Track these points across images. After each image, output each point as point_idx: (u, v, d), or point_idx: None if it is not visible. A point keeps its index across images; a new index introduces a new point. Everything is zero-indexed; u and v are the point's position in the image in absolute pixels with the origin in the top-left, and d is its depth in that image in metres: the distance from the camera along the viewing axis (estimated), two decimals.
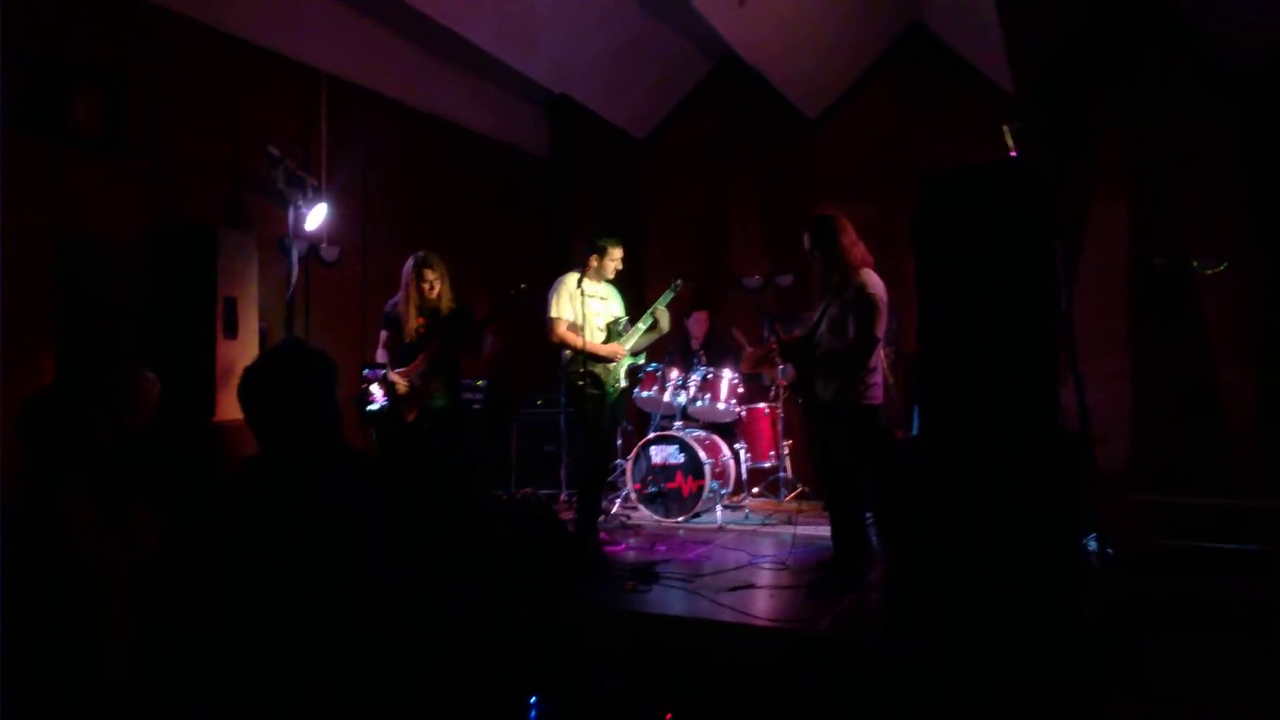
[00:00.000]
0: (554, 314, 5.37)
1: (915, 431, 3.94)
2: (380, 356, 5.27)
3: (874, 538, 4.73)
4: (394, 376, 5.17)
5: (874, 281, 4.48)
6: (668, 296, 5.56)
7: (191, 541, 2.01)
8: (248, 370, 2.05)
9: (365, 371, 5.16)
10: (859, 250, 4.58)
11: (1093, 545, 4.34)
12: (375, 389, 5.05)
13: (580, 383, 5.26)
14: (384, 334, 5.35)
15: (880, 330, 4.43)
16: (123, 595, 2.14)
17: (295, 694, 1.81)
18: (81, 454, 2.30)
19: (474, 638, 3.74)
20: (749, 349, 6.95)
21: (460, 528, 4.59)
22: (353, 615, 1.89)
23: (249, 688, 1.82)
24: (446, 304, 5.24)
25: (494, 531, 4.67)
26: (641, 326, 5.49)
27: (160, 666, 1.93)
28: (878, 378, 4.59)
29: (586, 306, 5.28)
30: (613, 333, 5.45)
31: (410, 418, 5.19)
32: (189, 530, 2.17)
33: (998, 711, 3.15)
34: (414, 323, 5.19)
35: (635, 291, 7.47)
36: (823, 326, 4.62)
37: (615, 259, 5.45)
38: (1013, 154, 3.87)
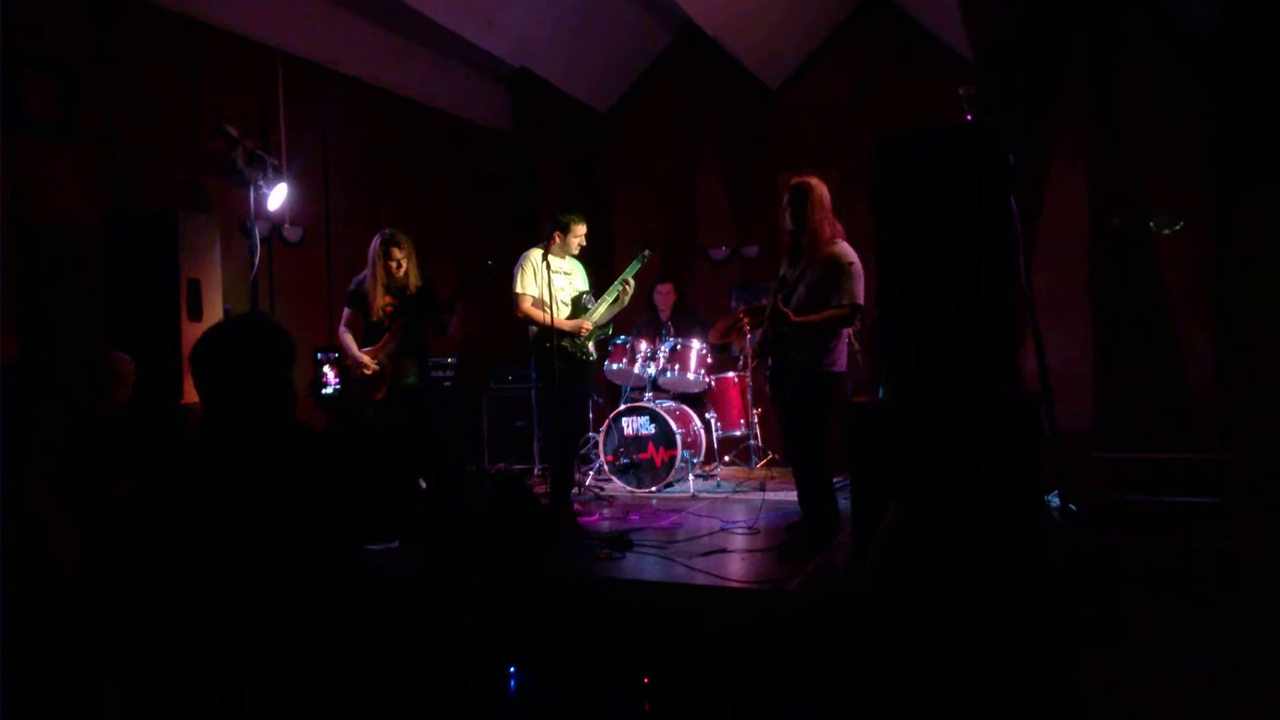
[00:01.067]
0: (519, 289, 5.39)
1: (880, 394, 4.01)
2: (343, 335, 5.26)
3: (841, 501, 4.81)
4: (363, 356, 5.17)
5: (850, 251, 4.58)
6: (635, 266, 5.58)
7: (138, 508, 2.00)
8: (201, 339, 2.04)
9: (318, 355, 5.15)
10: (834, 221, 4.67)
11: (1055, 502, 4.44)
12: (328, 371, 5.05)
13: (548, 357, 5.28)
14: (347, 312, 5.34)
15: (862, 296, 4.53)
16: (71, 572, 2.14)
17: (245, 666, 1.84)
18: (38, 440, 2.30)
19: (446, 609, 3.77)
20: (714, 324, 7.01)
21: (425, 500, 4.61)
22: (293, 586, 1.90)
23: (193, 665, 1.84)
24: (414, 282, 5.23)
25: (466, 504, 4.70)
26: (608, 298, 5.52)
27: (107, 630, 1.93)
28: (843, 345, 4.69)
29: (551, 282, 5.30)
30: (578, 307, 5.47)
31: (379, 396, 5.20)
32: (138, 499, 2.17)
33: (967, 663, 3.23)
34: (381, 301, 5.18)
35: (603, 265, 7.48)
36: (799, 292, 4.63)
37: (579, 235, 5.46)
38: (969, 118, 3.92)
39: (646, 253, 5.71)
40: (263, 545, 1.87)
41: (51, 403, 2.35)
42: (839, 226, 4.69)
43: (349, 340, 5.24)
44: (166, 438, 4.21)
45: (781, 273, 4.84)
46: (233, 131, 4.74)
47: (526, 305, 5.37)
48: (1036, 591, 3.47)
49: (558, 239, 5.40)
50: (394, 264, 5.16)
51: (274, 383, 2.02)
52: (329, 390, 5.07)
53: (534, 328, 5.41)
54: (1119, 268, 7.13)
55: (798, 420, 4.75)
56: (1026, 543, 3.54)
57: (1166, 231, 6.96)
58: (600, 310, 5.49)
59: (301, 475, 2.00)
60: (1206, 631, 3.64)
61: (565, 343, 5.32)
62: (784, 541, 4.64)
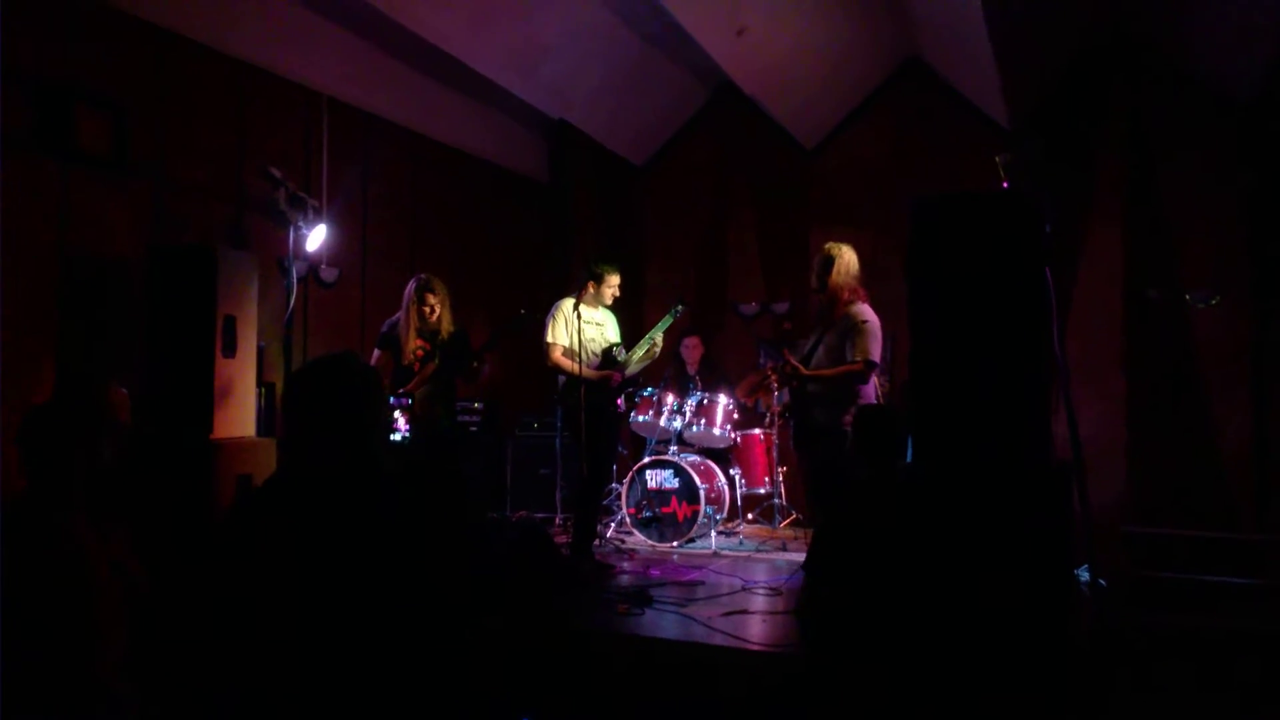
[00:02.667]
0: (550, 339, 5.43)
1: (910, 459, 3.99)
2: None
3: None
4: (391, 399, 5.20)
5: (868, 310, 4.67)
6: (667, 321, 5.60)
7: (212, 559, 1.99)
8: (295, 375, 2.03)
9: (390, 400, 5.18)
10: (856, 286, 4.82)
11: (1084, 576, 4.35)
12: (399, 417, 5.09)
13: (575, 407, 5.30)
14: (376, 353, 5.39)
15: (877, 354, 4.60)
16: (116, 608, 2.14)
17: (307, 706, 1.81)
18: (83, 470, 2.31)
19: (470, 656, 3.73)
20: (742, 381, 7.02)
21: (463, 546, 4.60)
22: (377, 634, 1.86)
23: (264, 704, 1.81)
24: (447, 328, 5.28)
25: (490, 551, 4.68)
26: (639, 351, 5.53)
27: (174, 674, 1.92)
28: (870, 398, 4.71)
29: (582, 332, 5.33)
30: (608, 358, 5.49)
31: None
32: (209, 548, 2.15)
33: None
34: (413, 344, 5.22)
35: (633, 317, 7.51)
36: (819, 353, 4.75)
37: (613, 285, 5.50)
38: (1005, 185, 3.93)
39: (679, 308, 5.71)
40: (342, 592, 1.84)
41: (105, 437, 2.36)
42: (861, 291, 4.80)
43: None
44: (192, 475, 4.23)
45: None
46: (276, 173, 4.83)
47: (556, 355, 5.40)
48: (1064, 668, 3.38)
49: (591, 289, 5.44)
50: (428, 309, 5.22)
51: (363, 421, 2.01)
52: (397, 437, 5.09)
53: (563, 377, 5.44)
54: (1153, 339, 7.05)
55: (823, 480, 4.73)
56: (1055, 618, 3.47)
57: (1202, 306, 6.89)
58: (631, 364, 5.51)
59: (396, 519, 1.96)
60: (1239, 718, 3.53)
61: (592, 393, 5.33)
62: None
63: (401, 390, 5.19)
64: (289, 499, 1.96)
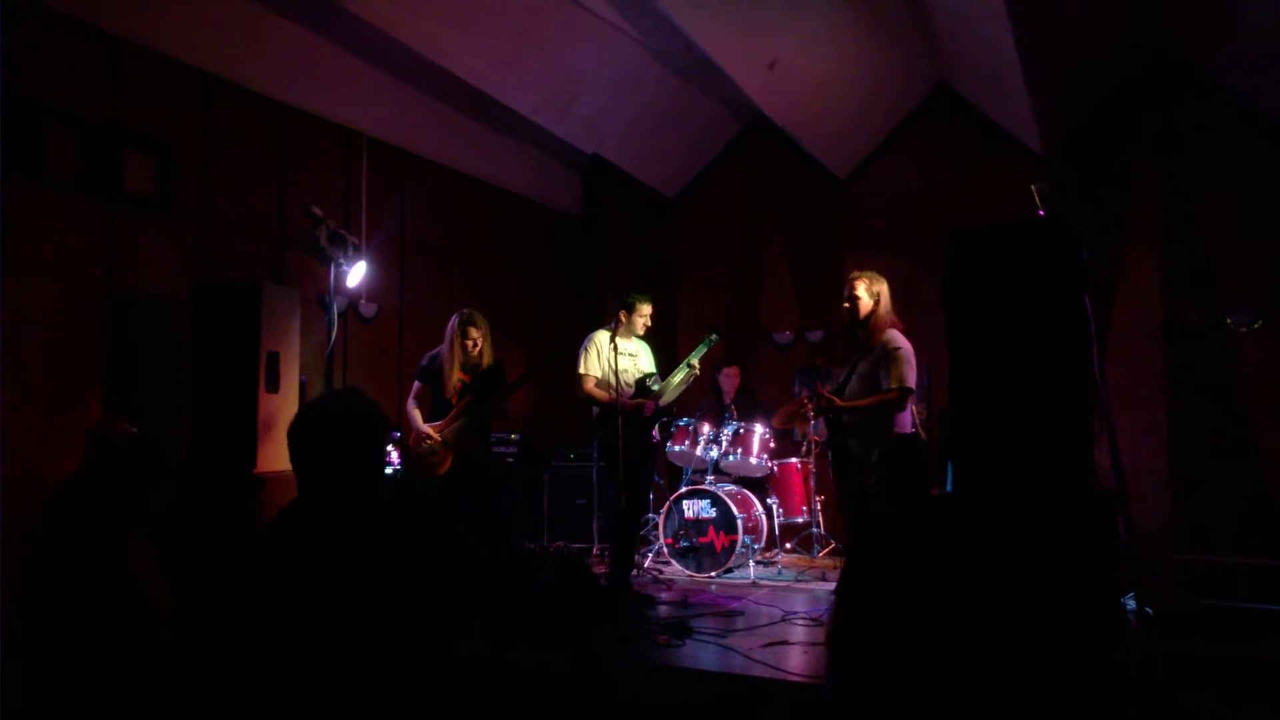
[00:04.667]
0: (582, 370, 5.48)
1: (949, 488, 3.97)
2: (411, 408, 5.39)
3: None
4: (428, 429, 5.26)
5: (901, 338, 4.69)
6: (702, 349, 5.62)
7: (229, 592, 2.02)
8: (301, 412, 2.06)
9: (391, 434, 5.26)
10: (890, 314, 4.85)
11: (1131, 605, 4.28)
12: (390, 451, 5.15)
13: (610, 437, 5.32)
14: (417, 385, 5.46)
15: (913, 380, 4.61)
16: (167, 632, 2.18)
17: None
18: (152, 507, 2.35)
19: (501, 686, 3.74)
20: (778, 410, 7.01)
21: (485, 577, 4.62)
22: (375, 669, 1.89)
23: None
24: (487, 361, 5.37)
25: (527, 583, 4.69)
26: (675, 379, 5.56)
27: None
28: (906, 426, 4.71)
29: (616, 362, 5.37)
30: (642, 388, 5.51)
31: (443, 470, 5.28)
32: (229, 579, 2.19)
33: None
34: (455, 377, 5.30)
35: (667, 348, 7.53)
36: (853, 382, 4.75)
37: (644, 314, 5.54)
38: (1041, 213, 3.92)
39: (714, 337, 5.74)
40: (342, 624, 1.87)
41: (167, 476, 2.41)
42: (894, 319, 4.81)
43: (416, 414, 5.35)
44: (237, 509, 4.30)
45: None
46: (318, 211, 4.94)
47: (589, 386, 5.45)
48: (1113, 699, 3.33)
49: (624, 318, 5.49)
50: (470, 343, 5.30)
51: (367, 460, 2.04)
52: (388, 470, 5.16)
53: (596, 408, 5.47)
54: (1194, 363, 6.97)
55: (859, 510, 4.72)
56: (1103, 648, 3.42)
57: (1244, 329, 6.81)
58: (667, 392, 5.54)
59: (397, 555, 1.99)
60: None
61: (627, 424, 5.35)
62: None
63: (440, 423, 5.27)
64: (289, 537, 1.99)
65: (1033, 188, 3.93)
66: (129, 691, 2.09)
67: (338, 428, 2.02)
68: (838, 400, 4.72)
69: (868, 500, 4.65)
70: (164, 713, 2.04)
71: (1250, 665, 4.27)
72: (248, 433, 4.72)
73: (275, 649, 1.86)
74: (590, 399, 5.47)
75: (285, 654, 1.85)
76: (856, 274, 4.90)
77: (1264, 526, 6.63)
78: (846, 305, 4.86)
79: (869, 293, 4.80)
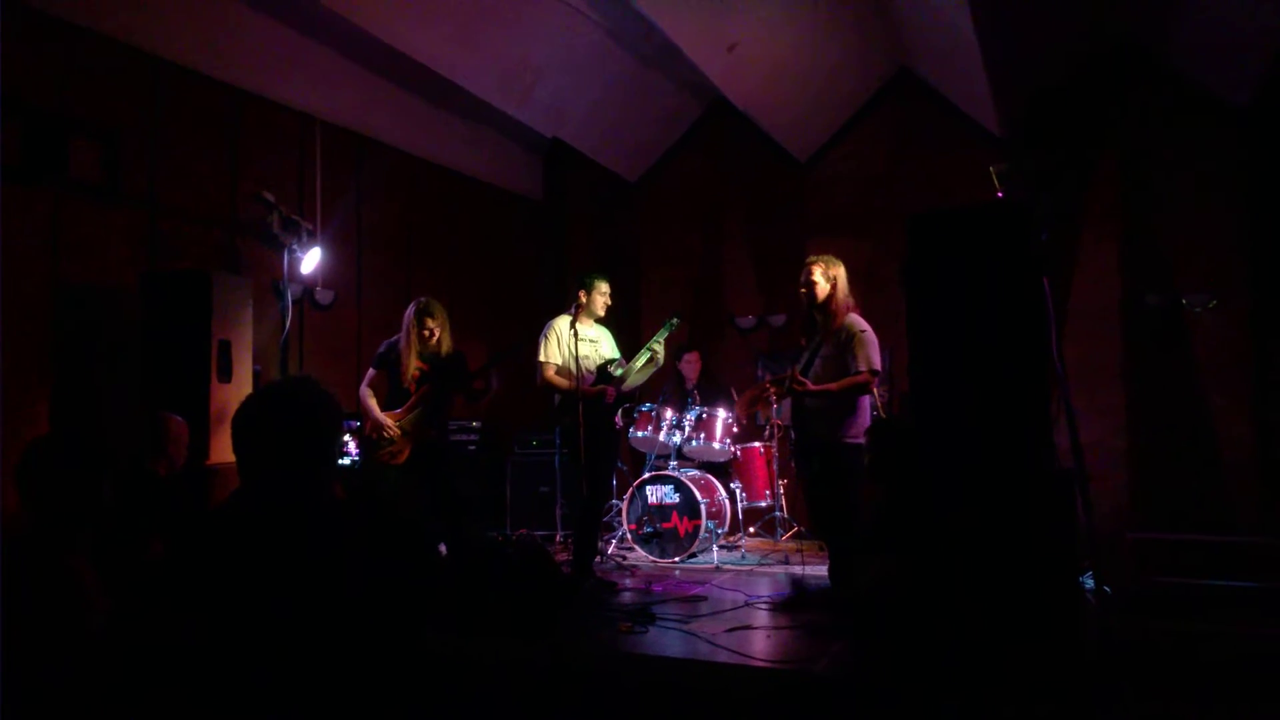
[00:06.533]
0: (542, 358, 5.44)
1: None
2: (365, 395, 5.30)
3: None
4: (384, 418, 5.19)
5: (863, 321, 4.70)
6: (664, 333, 5.59)
7: (168, 576, 1.94)
8: (246, 401, 1.94)
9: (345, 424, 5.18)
10: (848, 298, 4.84)
11: (1089, 583, 4.33)
12: (348, 440, 5.08)
13: (573, 425, 5.29)
14: (371, 373, 5.39)
15: (879, 362, 4.63)
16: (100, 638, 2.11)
17: None
18: (84, 507, 2.27)
19: (463, 675, 3.70)
20: (741, 395, 7.00)
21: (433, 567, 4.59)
22: (330, 656, 1.83)
23: None
24: (445, 350, 5.29)
25: (488, 571, 4.65)
26: (637, 364, 5.52)
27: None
28: (864, 415, 4.71)
29: (577, 349, 5.33)
30: (603, 374, 5.47)
31: (401, 459, 5.21)
32: (169, 566, 2.09)
33: None
34: (414, 366, 5.23)
35: (630, 333, 7.50)
36: (816, 366, 4.73)
37: (603, 293, 5.50)
38: (999, 195, 3.93)
39: (675, 321, 5.72)
40: (291, 621, 1.80)
41: (101, 471, 2.31)
42: (852, 302, 4.80)
43: (372, 402, 5.27)
44: (188, 500, 4.21)
45: (801, 344, 4.94)
46: (270, 197, 4.84)
47: (550, 373, 5.41)
48: (1072, 676, 3.36)
49: (583, 299, 5.45)
50: (427, 332, 5.23)
51: (318, 453, 1.93)
52: (346, 461, 5.09)
53: (558, 395, 5.43)
54: (1152, 344, 7.05)
55: (824, 493, 4.73)
56: (1062, 626, 3.45)
57: (1199, 310, 6.90)
58: (631, 376, 5.50)
59: (343, 554, 1.91)
60: None
61: (588, 410, 5.31)
62: (811, 619, 4.55)
63: (398, 411, 5.19)
64: (235, 533, 1.90)
65: (991, 170, 3.94)
66: (54, 689, 2.02)
67: (287, 416, 1.92)
68: (809, 383, 4.69)
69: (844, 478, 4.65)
70: (93, 711, 1.98)
71: (1206, 641, 4.33)
72: (200, 424, 4.62)
73: (216, 651, 1.79)
74: (551, 386, 5.43)
75: (226, 656, 1.78)
76: (813, 259, 4.87)
77: (1219, 505, 6.74)
78: (804, 290, 4.83)
79: (825, 277, 4.78)
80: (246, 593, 1.81)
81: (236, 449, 1.94)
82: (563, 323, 5.46)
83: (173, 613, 1.82)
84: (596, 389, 5.38)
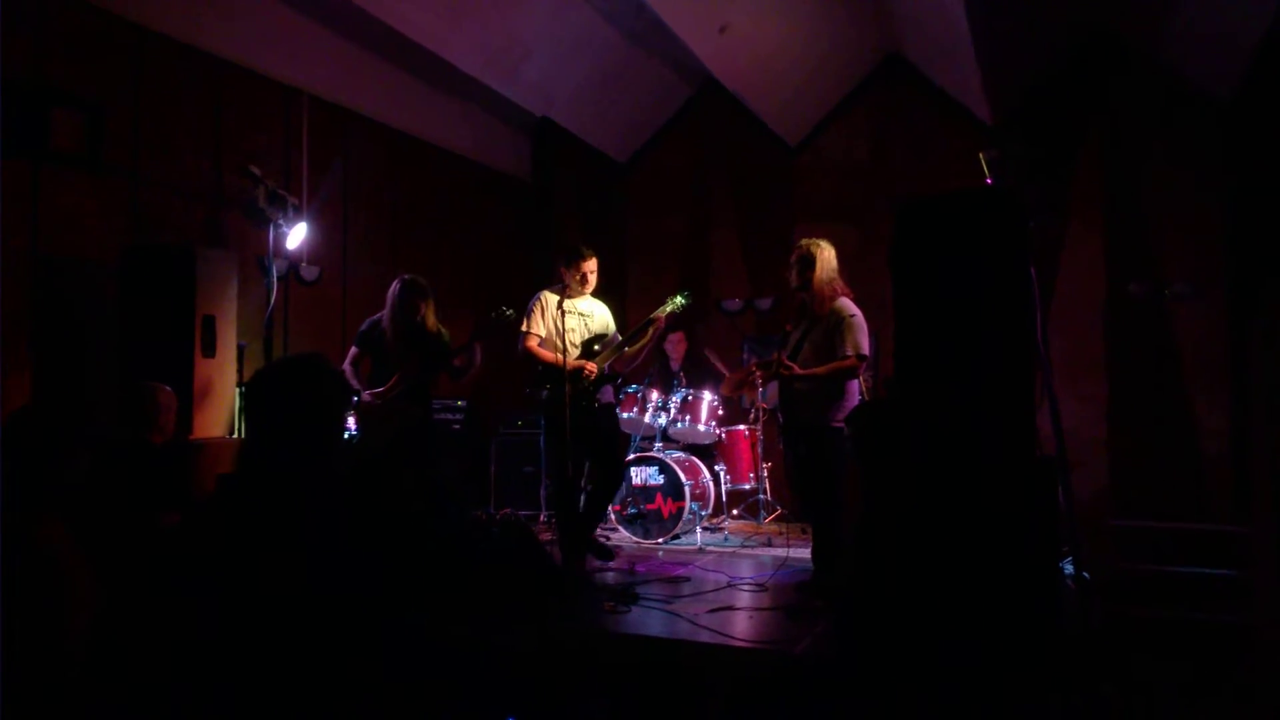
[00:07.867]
0: (524, 328, 5.37)
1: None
2: (347, 373, 5.27)
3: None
4: (366, 395, 5.16)
5: (852, 305, 4.70)
6: (667, 308, 5.41)
7: (172, 551, 1.96)
8: (256, 375, 2.00)
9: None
10: (836, 281, 4.80)
11: (1069, 570, 4.36)
12: (349, 417, 5.06)
13: (554, 399, 5.22)
14: (354, 350, 5.36)
15: (866, 347, 4.63)
16: (85, 612, 2.10)
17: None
18: (60, 479, 2.26)
19: (447, 656, 3.71)
20: (728, 373, 6.98)
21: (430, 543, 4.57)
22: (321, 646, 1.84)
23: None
24: (430, 327, 5.26)
25: (471, 550, 4.65)
26: (620, 338, 5.51)
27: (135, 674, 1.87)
28: (852, 399, 4.72)
29: (564, 323, 5.27)
30: (588, 350, 5.42)
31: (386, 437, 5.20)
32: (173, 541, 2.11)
33: None
34: (396, 343, 5.20)
35: (616, 313, 7.47)
36: (804, 350, 4.73)
37: (587, 268, 5.38)
38: (988, 181, 3.93)
39: (680, 299, 5.52)
40: (290, 598, 1.81)
41: (75, 446, 2.31)
42: (840, 285, 4.78)
43: (353, 380, 5.25)
44: (172, 475, 4.19)
45: (786, 329, 4.93)
46: (255, 171, 4.80)
47: (531, 344, 5.34)
48: (1050, 661, 3.39)
49: (566, 274, 5.38)
50: (411, 309, 5.19)
51: (326, 425, 1.98)
52: (345, 436, 5.06)
53: (539, 366, 5.37)
54: (1134, 334, 7.10)
55: (811, 477, 4.74)
56: (1041, 611, 3.47)
57: (1181, 300, 6.94)
58: (605, 352, 5.41)
59: (346, 530, 1.95)
60: (1219, 711, 3.54)
61: (567, 386, 5.20)
62: (793, 601, 4.57)
63: (381, 389, 5.16)
64: (243, 507, 1.93)
65: (981, 155, 3.94)
66: (38, 674, 2.01)
67: (301, 389, 1.97)
68: (797, 367, 4.69)
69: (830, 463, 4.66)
70: (81, 699, 1.97)
71: (1185, 628, 4.38)
72: (183, 399, 4.59)
73: (222, 635, 1.80)
74: (530, 356, 5.36)
75: (231, 639, 1.79)
76: (803, 241, 4.86)
77: (1199, 492, 6.81)
78: (793, 273, 4.81)
79: (814, 260, 4.76)
80: (259, 557, 1.83)
81: (248, 419, 2.00)
82: (550, 296, 5.41)
83: (191, 581, 1.83)
84: (577, 363, 5.30)
